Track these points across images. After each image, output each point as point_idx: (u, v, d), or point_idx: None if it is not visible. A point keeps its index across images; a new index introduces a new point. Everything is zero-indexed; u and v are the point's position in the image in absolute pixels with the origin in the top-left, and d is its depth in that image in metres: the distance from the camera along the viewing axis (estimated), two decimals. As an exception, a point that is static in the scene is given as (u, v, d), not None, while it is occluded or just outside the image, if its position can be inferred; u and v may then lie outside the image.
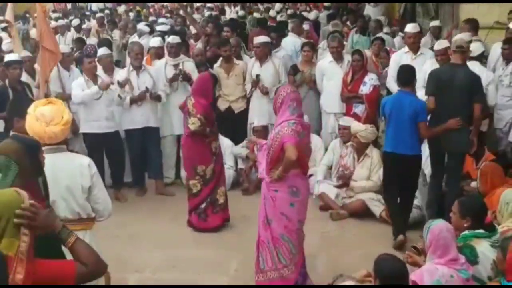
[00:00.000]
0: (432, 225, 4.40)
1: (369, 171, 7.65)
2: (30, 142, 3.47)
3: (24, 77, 8.28)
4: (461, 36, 6.94)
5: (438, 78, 6.62)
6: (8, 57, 8.07)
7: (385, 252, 4.21)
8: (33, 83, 8.27)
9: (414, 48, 8.03)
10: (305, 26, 12.39)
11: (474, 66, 7.19)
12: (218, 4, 21.21)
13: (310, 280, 5.55)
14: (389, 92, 8.40)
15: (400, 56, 8.23)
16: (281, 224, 5.28)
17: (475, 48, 7.56)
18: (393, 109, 6.53)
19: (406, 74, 6.64)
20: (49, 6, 8.67)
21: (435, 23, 10.69)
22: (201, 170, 7.07)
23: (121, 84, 7.98)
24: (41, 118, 4.02)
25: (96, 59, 8.24)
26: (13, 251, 2.75)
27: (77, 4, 24.08)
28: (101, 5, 21.40)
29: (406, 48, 8.25)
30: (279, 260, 5.34)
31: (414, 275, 4.25)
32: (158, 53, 9.14)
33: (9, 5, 10.29)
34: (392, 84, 8.20)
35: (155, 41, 9.27)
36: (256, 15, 16.77)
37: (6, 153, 3.27)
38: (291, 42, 10.98)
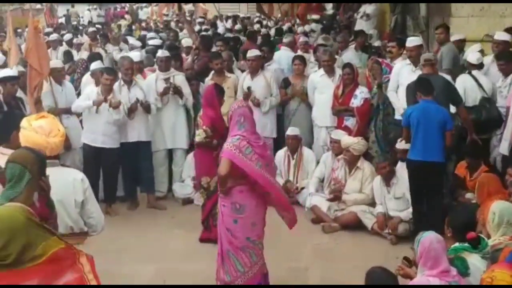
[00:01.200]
0: (422, 237, 4.42)
1: (361, 184, 7.67)
2: (40, 153, 3.56)
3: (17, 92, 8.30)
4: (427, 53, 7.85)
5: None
6: (4, 73, 8.05)
7: (377, 265, 4.21)
8: (25, 98, 8.25)
9: (415, 61, 8.06)
10: (302, 38, 12.39)
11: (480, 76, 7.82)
12: (209, 18, 21.31)
13: None
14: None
15: (401, 68, 8.24)
16: (226, 240, 5.24)
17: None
18: (420, 118, 6.69)
19: (428, 84, 6.88)
20: (42, 21, 8.64)
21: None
22: (205, 182, 6.99)
23: (113, 106, 7.93)
24: (40, 130, 4.05)
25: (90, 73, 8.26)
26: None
27: (69, 19, 24.15)
28: (94, 18, 21.47)
29: (407, 60, 8.27)
30: (225, 274, 5.30)
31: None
32: (138, 67, 9.14)
33: (9, 18, 10.25)
34: (392, 95, 8.23)
35: (135, 56, 9.29)
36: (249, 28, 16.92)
37: (21, 162, 3.37)
38: (285, 56, 11.01)
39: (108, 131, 8.03)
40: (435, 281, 4.26)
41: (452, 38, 9.33)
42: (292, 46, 11.74)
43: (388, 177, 7.27)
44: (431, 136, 6.65)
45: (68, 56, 11.51)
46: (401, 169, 7.35)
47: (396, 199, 7.27)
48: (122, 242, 7.13)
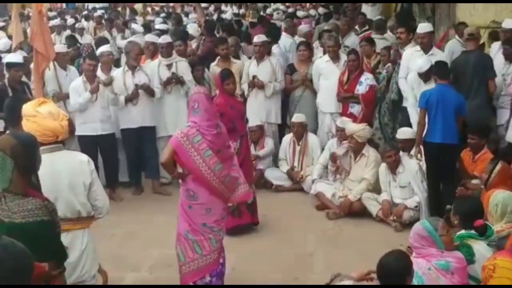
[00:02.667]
0: (415, 225, 4.51)
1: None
2: (27, 138, 3.50)
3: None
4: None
5: (454, 67, 7.59)
6: (9, 58, 8.11)
7: (391, 252, 4.20)
8: (29, 83, 8.25)
9: (426, 47, 7.99)
10: (304, 27, 12.32)
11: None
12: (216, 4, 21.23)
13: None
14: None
15: (411, 55, 8.19)
16: (186, 223, 5.22)
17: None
18: (439, 101, 6.82)
19: (445, 68, 7.14)
20: (46, 5, 8.59)
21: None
22: None
23: (105, 84, 7.93)
24: (50, 115, 4.05)
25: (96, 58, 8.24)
26: None
27: (75, 4, 24.05)
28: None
29: (417, 47, 8.20)
30: (179, 255, 5.27)
31: None
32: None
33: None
34: (402, 82, 8.19)
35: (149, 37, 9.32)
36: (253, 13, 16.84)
37: (2, 148, 3.32)
38: (284, 42, 10.96)
39: (105, 117, 8.04)
40: (421, 262, 4.28)
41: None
42: (291, 31, 11.67)
43: (393, 166, 7.26)
44: (448, 119, 6.82)
45: (71, 40, 11.46)
46: (405, 158, 7.35)
47: (401, 187, 7.26)
48: (127, 227, 7.16)
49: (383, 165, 7.42)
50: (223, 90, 6.85)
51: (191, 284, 5.26)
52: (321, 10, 16.23)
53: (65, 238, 3.82)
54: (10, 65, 7.81)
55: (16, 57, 8.22)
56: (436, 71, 7.14)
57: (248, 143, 7.32)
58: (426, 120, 6.95)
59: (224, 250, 5.44)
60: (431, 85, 7.31)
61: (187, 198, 5.21)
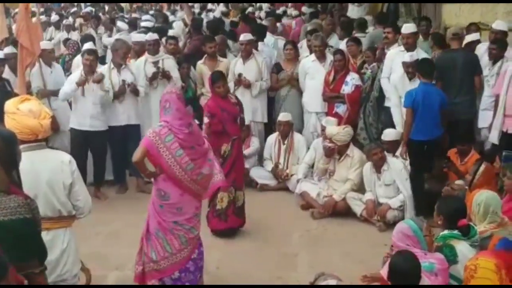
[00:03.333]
0: (399, 223, 4.57)
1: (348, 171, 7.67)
2: (6, 133, 3.48)
3: (7, 73, 8.25)
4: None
5: (441, 64, 7.72)
6: None
7: (401, 252, 4.22)
8: (15, 79, 8.19)
9: (410, 47, 8.02)
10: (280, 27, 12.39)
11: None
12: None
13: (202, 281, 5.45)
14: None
15: (395, 55, 8.20)
16: (155, 220, 5.23)
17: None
18: (424, 100, 7.04)
19: (430, 67, 7.33)
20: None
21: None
22: None
23: (94, 80, 7.89)
24: (31, 114, 4.02)
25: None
26: None
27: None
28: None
29: (401, 47, 8.22)
30: (151, 252, 5.25)
31: (382, 271, 4.29)
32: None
33: None
34: (385, 82, 8.22)
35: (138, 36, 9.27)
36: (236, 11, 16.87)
37: None
38: (267, 40, 10.98)
39: (95, 113, 7.97)
40: None
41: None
42: (272, 30, 11.70)
43: (379, 164, 7.28)
44: (434, 116, 7.07)
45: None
46: (390, 157, 7.39)
47: (386, 185, 7.29)
48: (111, 226, 7.13)
49: (368, 164, 7.44)
50: (214, 92, 6.84)
51: (157, 281, 5.25)
52: (304, 9, 16.21)
53: (45, 237, 3.79)
54: None
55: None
56: (421, 69, 7.30)
57: (240, 146, 7.21)
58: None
59: (202, 246, 5.42)
60: (415, 84, 7.39)
61: (158, 198, 5.21)
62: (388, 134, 7.63)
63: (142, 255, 5.31)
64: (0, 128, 3.65)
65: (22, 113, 4.01)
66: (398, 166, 7.25)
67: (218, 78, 6.88)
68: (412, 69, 7.61)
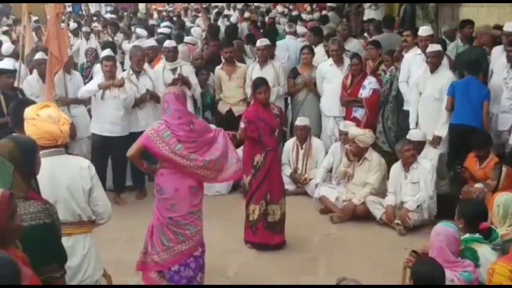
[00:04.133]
0: (436, 226, 4.43)
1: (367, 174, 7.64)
2: (25, 141, 3.54)
3: (35, 79, 8.38)
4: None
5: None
6: (1, 65, 8.10)
7: (423, 259, 4.19)
8: (42, 86, 8.23)
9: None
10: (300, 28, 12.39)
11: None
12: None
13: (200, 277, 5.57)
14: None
15: (413, 57, 8.20)
16: (155, 216, 5.44)
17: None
18: (465, 90, 7.50)
19: (475, 65, 7.75)
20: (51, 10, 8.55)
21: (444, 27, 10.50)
22: (245, 178, 6.77)
23: (115, 85, 7.94)
24: (51, 120, 4.05)
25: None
26: None
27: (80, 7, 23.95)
28: (103, 8, 21.41)
29: (418, 50, 8.19)
30: (152, 247, 5.44)
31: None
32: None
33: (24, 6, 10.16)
34: (403, 86, 8.20)
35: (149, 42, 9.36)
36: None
37: (0, 152, 3.38)
38: (291, 44, 10.99)
39: (116, 119, 8.01)
40: (445, 272, 4.24)
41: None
42: (295, 34, 11.75)
43: (409, 161, 7.25)
44: (472, 107, 7.44)
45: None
46: (420, 157, 7.37)
47: (412, 183, 7.26)
48: (131, 232, 7.14)
49: (398, 164, 7.42)
50: (255, 98, 6.70)
51: (156, 273, 5.46)
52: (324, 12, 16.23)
53: (66, 243, 3.84)
54: (1, 72, 7.80)
55: (7, 63, 8.20)
56: (467, 65, 7.77)
57: (276, 158, 6.91)
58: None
59: (204, 245, 5.57)
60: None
61: (156, 192, 5.45)
62: (414, 134, 7.57)
63: (146, 246, 5.50)
64: (19, 136, 3.71)
65: (42, 119, 4.05)
66: (427, 166, 7.23)
67: (260, 84, 6.65)
68: (433, 59, 7.63)
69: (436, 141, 7.69)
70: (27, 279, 2.85)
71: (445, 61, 8.07)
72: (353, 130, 7.72)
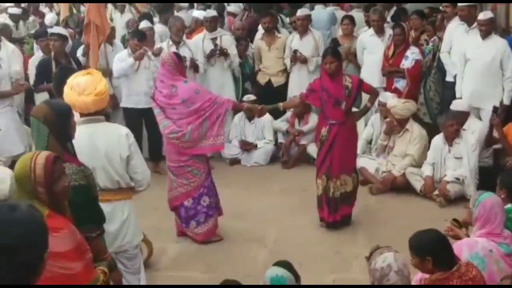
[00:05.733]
0: (483, 198, 4.29)
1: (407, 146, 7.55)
2: (60, 106, 3.65)
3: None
4: None
5: None
6: (54, 30, 8.29)
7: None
8: (77, 58, 8.33)
9: (468, 20, 7.78)
10: None
11: None
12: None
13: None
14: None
15: (454, 28, 8.03)
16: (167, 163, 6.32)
17: None
18: None
19: None
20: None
21: None
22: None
23: (154, 54, 8.00)
24: (76, 87, 4.11)
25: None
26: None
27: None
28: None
29: (459, 21, 7.99)
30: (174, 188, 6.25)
31: (454, 248, 4.18)
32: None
33: None
34: (445, 56, 8.05)
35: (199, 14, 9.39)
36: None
37: (36, 115, 3.53)
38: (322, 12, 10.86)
39: (149, 90, 8.01)
40: (483, 243, 4.19)
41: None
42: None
43: (453, 136, 7.14)
44: None
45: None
46: (463, 131, 7.24)
47: (455, 158, 7.15)
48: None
49: (439, 136, 7.31)
50: (323, 68, 6.47)
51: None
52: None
53: (106, 208, 3.91)
54: (50, 35, 7.95)
55: (57, 28, 8.36)
56: None
57: (345, 134, 6.38)
58: None
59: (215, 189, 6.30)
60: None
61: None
62: (458, 104, 7.41)
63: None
64: (54, 101, 3.78)
65: (68, 86, 4.14)
66: (471, 141, 7.11)
67: (326, 53, 6.45)
68: (486, 27, 7.41)
69: (503, 110, 7.30)
70: (77, 235, 3.02)
71: None
72: (390, 100, 7.63)
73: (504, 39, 7.64)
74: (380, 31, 8.75)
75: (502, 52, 7.38)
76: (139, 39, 8.04)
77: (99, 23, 8.04)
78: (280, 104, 7.02)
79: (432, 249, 3.62)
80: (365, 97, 8.75)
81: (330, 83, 6.29)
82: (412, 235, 3.83)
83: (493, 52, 7.40)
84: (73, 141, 3.62)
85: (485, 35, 7.46)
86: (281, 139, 8.82)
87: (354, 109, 6.71)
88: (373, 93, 6.67)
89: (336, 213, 6.45)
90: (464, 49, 7.64)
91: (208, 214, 6.18)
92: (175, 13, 11.15)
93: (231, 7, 11.82)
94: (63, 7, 9.88)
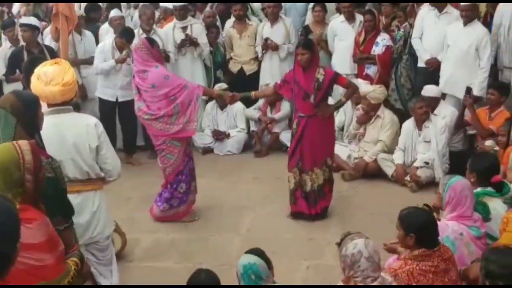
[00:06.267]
0: (453, 182, 4.35)
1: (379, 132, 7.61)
2: (27, 96, 3.62)
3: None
4: None
5: None
6: (24, 20, 8.21)
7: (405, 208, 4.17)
8: (49, 46, 8.21)
9: (439, 6, 7.82)
10: None
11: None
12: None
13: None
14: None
15: (426, 13, 8.05)
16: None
17: None
18: None
19: None
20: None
21: None
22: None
23: (129, 55, 7.92)
24: (42, 77, 4.06)
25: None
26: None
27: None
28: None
29: (430, 6, 8.04)
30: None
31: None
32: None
33: None
34: (416, 42, 8.07)
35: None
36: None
37: (3, 105, 3.49)
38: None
39: (125, 85, 7.96)
40: (453, 226, 4.25)
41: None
42: None
43: (422, 119, 7.21)
44: None
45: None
46: (433, 115, 7.32)
47: (425, 142, 7.24)
48: (144, 190, 7.18)
49: (409, 121, 7.38)
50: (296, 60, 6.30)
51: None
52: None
53: (75, 199, 3.91)
54: (20, 26, 7.84)
55: (27, 19, 8.25)
56: None
57: (314, 128, 6.24)
58: None
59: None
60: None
61: None
62: (429, 90, 7.46)
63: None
64: (21, 91, 3.74)
65: (35, 75, 4.09)
66: (440, 125, 7.18)
67: (298, 45, 6.36)
68: (467, 12, 7.39)
69: (474, 101, 7.25)
70: (50, 226, 3.01)
71: None
72: (363, 87, 7.65)
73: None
74: (350, 18, 8.75)
75: (479, 40, 7.35)
76: (127, 40, 7.95)
77: (68, 13, 7.93)
78: (253, 93, 6.99)
79: (418, 229, 3.74)
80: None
81: (302, 75, 6.16)
82: (405, 209, 3.97)
83: (471, 39, 7.38)
84: (41, 132, 3.59)
85: (466, 21, 7.43)
86: (253, 127, 8.81)
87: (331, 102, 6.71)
88: (350, 87, 6.41)
89: (316, 206, 6.39)
90: (444, 34, 7.68)
91: (182, 200, 6.33)
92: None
93: None
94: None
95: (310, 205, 6.38)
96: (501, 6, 7.82)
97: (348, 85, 6.42)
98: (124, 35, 7.98)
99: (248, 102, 8.72)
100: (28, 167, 2.94)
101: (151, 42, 6.20)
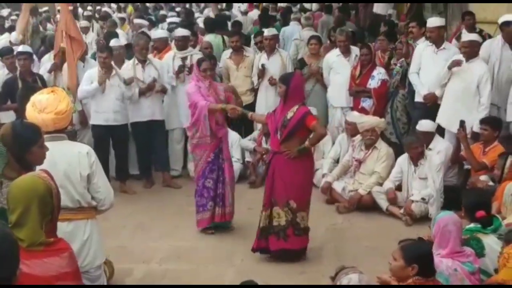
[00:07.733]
0: (439, 217, 4.42)
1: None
2: (23, 131, 3.58)
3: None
4: None
5: None
6: (20, 48, 8.27)
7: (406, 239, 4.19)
8: (42, 75, 8.26)
9: (436, 42, 7.96)
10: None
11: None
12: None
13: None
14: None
15: (423, 49, 8.14)
16: None
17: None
18: None
19: None
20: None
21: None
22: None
23: (126, 82, 7.97)
24: (37, 105, 4.07)
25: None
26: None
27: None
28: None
29: (428, 42, 8.10)
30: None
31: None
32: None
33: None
34: (414, 77, 8.14)
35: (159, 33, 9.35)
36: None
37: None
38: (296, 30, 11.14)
39: (118, 108, 7.99)
40: (448, 262, 4.25)
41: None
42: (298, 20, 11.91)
43: (418, 158, 7.23)
44: None
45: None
46: (428, 151, 7.34)
47: (420, 179, 7.23)
48: (137, 219, 7.17)
49: (404, 156, 7.40)
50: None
51: None
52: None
53: (66, 228, 3.90)
54: (16, 55, 7.90)
55: (22, 47, 8.34)
56: None
57: (281, 162, 5.99)
58: None
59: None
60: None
61: None
62: (424, 125, 7.52)
63: None
64: (22, 123, 3.74)
65: (30, 103, 4.11)
66: (436, 162, 7.18)
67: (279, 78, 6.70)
68: (467, 49, 7.46)
69: (474, 137, 7.35)
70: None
71: None
72: (369, 119, 7.72)
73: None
74: (346, 52, 8.86)
75: (479, 77, 7.40)
76: (109, 53, 7.97)
77: (78, 36, 8.00)
78: (250, 113, 6.91)
79: (422, 260, 3.77)
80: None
81: (281, 109, 6.02)
82: (406, 241, 4.04)
83: (472, 76, 7.44)
84: None
85: (467, 57, 7.50)
86: (248, 158, 8.82)
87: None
88: (316, 131, 5.98)
89: (267, 241, 6.09)
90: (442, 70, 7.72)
91: (205, 208, 6.73)
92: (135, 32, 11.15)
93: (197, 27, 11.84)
94: (21, 22, 9.83)
95: (304, 238, 6.17)
96: (487, 43, 7.95)
97: (314, 128, 5.95)
98: (104, 49, 7.99)
99: (245, 128, 8.77)
100: (57, 194, 3.08)
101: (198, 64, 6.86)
